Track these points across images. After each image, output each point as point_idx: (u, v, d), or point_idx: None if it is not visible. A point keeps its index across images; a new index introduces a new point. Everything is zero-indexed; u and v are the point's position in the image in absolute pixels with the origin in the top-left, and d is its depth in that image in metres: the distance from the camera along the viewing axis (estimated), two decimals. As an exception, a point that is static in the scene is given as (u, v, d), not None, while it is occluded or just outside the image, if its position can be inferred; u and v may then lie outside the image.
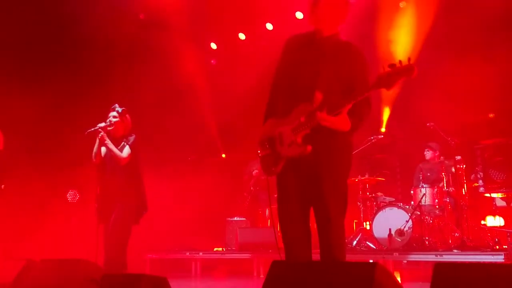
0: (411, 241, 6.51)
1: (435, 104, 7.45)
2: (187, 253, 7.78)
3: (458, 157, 6.96)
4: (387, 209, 6.90)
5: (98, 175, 5.05)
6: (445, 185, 6.97)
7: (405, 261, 6.92)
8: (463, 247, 6.22)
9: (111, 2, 7.19)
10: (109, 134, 4.97)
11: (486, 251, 5.81)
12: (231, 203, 9.06)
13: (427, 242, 6.52)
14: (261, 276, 6.79)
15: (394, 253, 6.24)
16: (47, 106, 7.21)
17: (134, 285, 2.77)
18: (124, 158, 4.89)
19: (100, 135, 4.87)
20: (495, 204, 6.85)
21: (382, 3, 7.80)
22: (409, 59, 2.61)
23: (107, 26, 7.03)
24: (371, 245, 7.05)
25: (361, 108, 2.92)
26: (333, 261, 2.87)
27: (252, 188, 8.62)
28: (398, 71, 2.62)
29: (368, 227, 7.28)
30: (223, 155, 10.24)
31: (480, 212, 7.14)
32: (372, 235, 6.91)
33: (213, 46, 9.51)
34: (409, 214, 6.58)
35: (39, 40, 7.38)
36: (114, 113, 5.04)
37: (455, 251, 6.04)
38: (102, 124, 4.93)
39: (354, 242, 7.21)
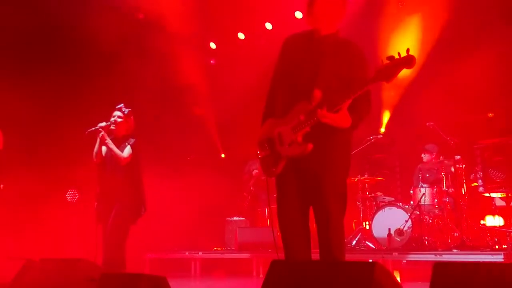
0: (410, 241, 6.51)
1: (435, 104, 7.46)
2: (187, 253, 7.78)
3: (458, 157, 6.96)
4: (387, 208, 6.91)
5: (98, 174, 5.05)
6: (444, 185, 6.97)
7: (405, 261, 6.91)
8: (463, 247, 6.22)
9: (111, 1, 7.19)
10: (111, 134, 4.97)
11: (486, 251, 5.82)
12: (230, 203, 9.06)
13: (426, 242, 6.52)
14: (260, 276, 6.79)
15: (394, 253, 6.24)
16: (46, 106, 7.21)
17: (134, 285, 2.77)
18: (125, 158, 4.89)
19: (100, 135, 4.87)
20: (495, 203, 6.85)
21: (382, 2, 7.81)
22: (407, 50, 2.60)
23: (106, 25, 7.02)
24: (370, 244, 7.05)
25: (361, 105, 2.92)
26: (332, 260, 2.86)
27: (252, 188, 8.62)
28: (397, 63, 2.62)
29: (367, 227, 7.28)
30: (223, 155, 10.24)
31: (480, 211, 7.13)
32: (372, 234, 6.92)
33: (213, 45, 9.51)
34: (409, 214, 6.59)
35: (39, 40, 7.38)
36: (119, 113, 5.04)
37: (455, 250, 6.04)
38: (103, 124, 4.93)
39: (354, 242, 7.21)
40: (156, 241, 7.98)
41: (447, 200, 6.92)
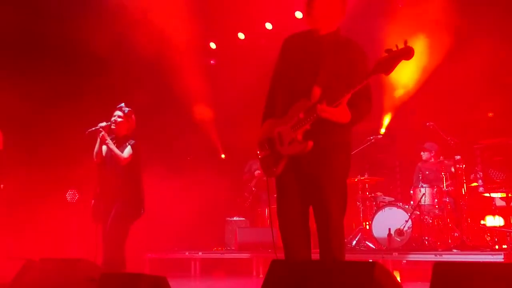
0: (410, 241, 6.51)
1: (435, 103, 7.46)
2: (187, 253, 7.78)
3: (458, 157, 6.96)
4: (387, 208, 6.91)
5: (99, 174, 5.05)
6: (444, 185, 6.97)
7: (405, 261, 6.91)
8: (463, 247, 6.22)
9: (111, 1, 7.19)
10: (111, 133, 4.97)
11: (486, 251, 5.82)
12: (230, 203, 9.06)
13: (426, 242, 6.52)
14: (260, 276, 6.79)
15: (394, 253, 6.24)
16: (46, 106, 7.21)
17: (134, 285, 2.77)
18: (125, 159, 4.89)
19: (101, 135, 4.87)
20: (495, 204, 6.85)
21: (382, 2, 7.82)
22: (405, 41, 2.61)
23: (106, 25, 7.02)
24: (370, 245, 7.05)
25: (362, 102, 2.92)
26: (333, 260, 2.86)
27: (254, 188, 8.62)
28: (395, 55, 2.62)
29: (367, 227, 7.28)
30: (223, 156, 10.23)
31: (480, 212, 7.13)
32: (372, 235, 6.92)
33: (213, 45, 9.51)
34: (409, 214, 6.58)
35: (38, 39, 7.38)
36: (120, 113, 5.03)
37: (455, 250, 6.04)
38: (103, 124, 4.93)
39: (354, 242, 7.21)
40: (156, 241, 7.99)
41: (447, 200, 6.91)
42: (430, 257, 5.96)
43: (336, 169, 2.97)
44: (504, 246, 6.08)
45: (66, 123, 7.13)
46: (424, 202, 6.85)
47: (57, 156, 7.18)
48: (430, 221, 6.77)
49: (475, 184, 6.87)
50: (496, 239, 6.43)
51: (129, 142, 4.97)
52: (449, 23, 7.28)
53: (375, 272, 2.10)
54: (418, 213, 6.73)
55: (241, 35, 9.16)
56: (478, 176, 6.69)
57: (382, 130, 8.69)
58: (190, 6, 7.63)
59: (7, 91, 6.55)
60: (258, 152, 3.19)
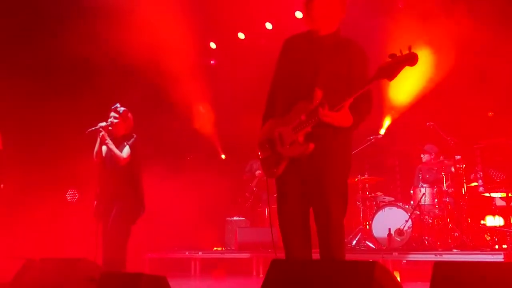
0: (410, 241, 6.51)
1: (435, 103, 7.45)
2: (187, 253, 7.78)
3: (458, 157, 6.96)
4: (387, 208, 6.91)
5: (98, 174, 5.05)
6: (444, 184, 6.97)
7: (405, 261, 6.91)
8: (463, 247, 6.22)
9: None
10: (110, 134, 4.97)
11: (486, 251, 5.82)
12: (230, 202, 9.06)
13: (426, 242, 6.52)
14: (260, 276, 6.79)
15: (394, 253, 6.24)
16: (46, 106, 7.20)
17: (134, 284, 2.77)
18: (124, 158, 4.89)
19: (100, 135, 4.87)
20: (495, 203, 6.85)
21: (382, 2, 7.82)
22: (409, 47, 2.59)
23: (106, 24, 7.02)
24: (370, 244, 7.05)
25: (362, 104, 2.91)
26: (333, 259, 2.86)
27: (255, 188, 8.62)
28: (399, 60, 2.61)
29: (367, 227, 7.28)
30: (223, 156, 10.22)
31: (480, 211, 7.13)
32: (372, 234, 6.92)
33: (213, 45, 9.51)
34: (409, 214, 6.58)
35: (38, 39, 7.38)
36: (115, 114, 5.04)
37: (455, 250, 6.04)
38: (103, 124, 4.93)
39: (354, 242, 7.21)
40: (156, 241, 7.99)
41: (447, 200, 6.91)
42: (430, 257, 5.96)
43: (337, 170, 2.97)
44: (504, 246, 6.08)
45: (66, 122, 7.13)
46: (424, 202, 6.85)
47: (57, 156, 7.18)
48: (430, 221, 6.77)
49: (475, 184, 6.87)
50: (496, 239, 6.43)
51: (127, 141, 4.97)
52: (448, 22, 7.28)
53: (376, 271, 2.10)
54: (418, 213, 6.73)
55: (241, 35, 9.16)
56: (478, 176, 6.68)
57: (382, 130, 8.68)
58: (190, 5, 7.63)
59: (7, 91, 6.55)
60: (259, 152, 3.18)
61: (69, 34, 7.23)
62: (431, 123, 7.05)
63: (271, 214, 3.20)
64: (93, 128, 4.89)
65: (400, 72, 2.64)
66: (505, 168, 6.45)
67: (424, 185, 7.01)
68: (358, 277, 2.13)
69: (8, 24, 6.80)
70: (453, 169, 7.08)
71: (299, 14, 8.19)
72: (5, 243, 6.15)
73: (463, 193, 6.85)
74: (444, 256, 5.82)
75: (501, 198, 6.73)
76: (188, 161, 9.52)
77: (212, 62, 10.03)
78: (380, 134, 7.92)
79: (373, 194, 7.65)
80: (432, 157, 7.54)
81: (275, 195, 3.19)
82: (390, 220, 6.66)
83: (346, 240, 6.65)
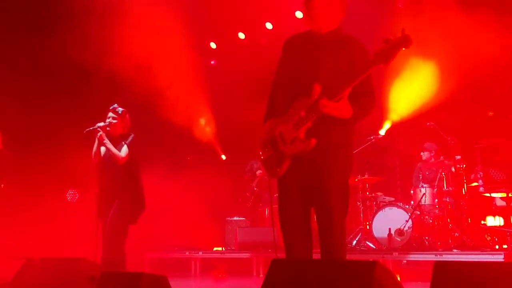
0: (410, 241, 6.51)
1: (435, 103, 7.44)
2: (187, 253, 7.78)
3: (458, 157, 6.96)
4: (387, 208, 6.90)
5: (97, 174, 5.05)
6: (445, 184, 6.96)
7: (405, 261, 6.91)
8: (463, 247, 6.21)
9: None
10: (108, 134, 4.97)
11: (486, 251, 5.82)
12: (230, 202, 9.06)
13: (427, 242, 6.52)
14: (260, 276, 6.79)
15: (394, 253, 6.24)
16: (46, 105, 7.21)
17: (134, 284, 2.77)
18: (122, 158, 4.89)
19: (98, 135, 4.87)
20: (495, 203, 6.85)
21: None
22: (403, 30, 2.60)
23: (107, 23, 7.03)
24: (370, 244, 7.05)
25: (364, 97, 2.91)
26: (333, 259, 2.86)
27: (255, 188, 8.62)
28: (393, 44, 2.62)
29: (368, 227, 7.28)
30: (223, 156, 10.21)
31: (480, 211, 7.13)
32: (372, 234, 6.91)
33: (213, 45, 9.50)
34: (409, 214, 6.58)
35: (38, 39, 7.38)
36: (113, 114, 5.03)
37: (455, 250, 6.03)
38: (101, 124, 4.93)
39: (354, 242, 7.21)
40: (156, 241, 7.98)
41: (448, 200, 6.91)
42: (431, 257, 5.96)
43: (338, 169, 2.97)
44: (505, 246, 6.08)
45: (66, 122, 7.13)
46: (425, 202, 6.85)
47: (57, 156, 7.18)
48: (430, 221, 6.77)
49: (475, 184, 6.87)
50: (496, 239, 6.43)
51: (125, 140, 4.97)
52: (449, 22, 7.27)
53: (376, 271, 2.10)
54: (419, 213, 6.73)
55: (241, 35, 9.15)
56: (479, 176, 6.68)
57: (382, 131, 8.68)
58: (190, 5, 7.63)
59: (7, 91, 6.55)
60: (261, 153, 3.17)
61: (68, 34, 7.24)
62: (432, 123, 7.04)
63: (272, 213, 3.19)
64: (91, 128, 4.89)
65: (396, 56, 2.63)
66: (505, 168, 6.45)
67: (424, 185, 7.00)
68: (358, 277, 2.13)
69: (7, 24, 6.80)
70: (453, 169, 7.08)
71: (299, 14, 8.19)
72: (5, 243, 6.15)
73: (464, 193, 6.85)
74: (444, 256, 5.81)
75: (501, 198, 6.73)
76: (189, 161, 9.51)
77: (212, 62, 10.03)
78: (380, 134, 7.91)
79: (373, 194, 7.65)
80: (432, 154, 7.54)
81: (276, 195, 3.19)
82: (390, 220, 6.66)
83: (346, 240, 6.65)
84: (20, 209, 6.77)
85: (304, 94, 2.93)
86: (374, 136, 7.56)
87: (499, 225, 6.67)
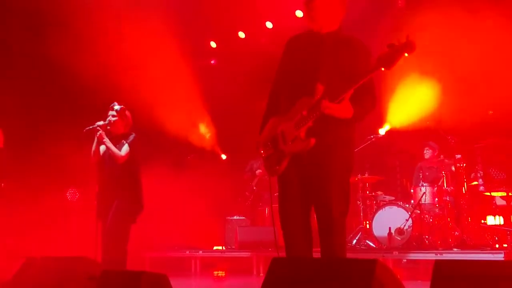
0: (411, 240, 6.51)
1: (435, 102, 7.44)
2: (187, 252, 7.78)
3: (458, 156, 6.96)
4: (387, 207, 6.91)
5: (97, 173, 5.05)
6: (445, 184, 6.97)
7: (405, 260, 6.92)
8: (463, 246, 6.22)
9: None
10: (109, 132, 4.97)
11: (486, 250, 5.82)
12: (230, 202, 9.06)
13: (427, 241, 6.52)
14: (260, 275, 6.79)
15: (394, 252, 6.24)
16: (46, 104, 7.21)
17: (135, 282, 2.76)
18: (122, 157, 4.88)
19: (98, 133, 4.87)
20: (495, 203, 6.85)
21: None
22: (407, 36, 2.60)
23: (107, 21, 7.02)
24: (370, 243, 7.05)
25: (365, 97, 2.91)
26: (333, 257, 2.86)
27: (255, 187, 8.63)
28: (397, 49, 2.61)
29: (368, 226, 7.28)
30: (223, 156, 10.21)
31: (480, 211, 7.13)
32: (372, 233, 6.92)
33: (213, 44, 9.50)
34: (409, 213, 6.58)
35: (38, 38, 7.38)
36: (113, 112, 5.03)
37: (455, 249, 6.04)
38: (101, 123, 4.92)
39: (354, 241, 7.21)
40: (156, 240, 7.98)
41: (448, 199, 6.91)
42: (431, 256, 5.96)
43: (339, 168, 2.96)
44: (505, 245, 6.08)
45: (66, 121, 7.12)
46: (425, 201, 6.85)
47: (58, 155, 7.18)
48: (431, 220, 6.77)
49: (475, 183, 6.88)
50: (496, 238, 6.43)
51: (127, 139, 4.96)
52: (449, 22, 7.27)
53: (377, 269, 2.10)
54: (419, 212, 6.73)
55: (241, 34, 9.15)
56: (479, 175, 6.69)
57: (382, 130, 8.68)
58: (190, 4, 7.63)
59: (7, 90, 6.55)
60: (262, 151, 3.18)
61: (70, 33, 7.24)
62: (432, 122, 7.04)
63: (273, 213, 3.19)
64: (91, 127, 4.89)
65: (398, 61, 2.63)
66: (505, 167, 6.46)
67: (424, 184, 7.00)
68: (359, 275, 2.13)
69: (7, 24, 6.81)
70: (453, 168, 7.08)
71: (299, 13, 8.19)
72: (6, 242, 6.15)
73: (464, 192, 6.85)
74: (444, 255, 5.82)
75: (501, 197, 6.74)
76: (189, 161, 9.51)
77: (212, 62, 10.03)
78: (380, 133, 7.91)
79: (373, 193, 7.65)
80: (435, 154, 7.54)
81: (276, 194, 3.19)
82: (390, 219, 6.66)
83: (346, 239, 6.65)
84: (20, 208, 6.77)
85: (306, 93, 2.93)
86: (375, 135, 7.56)
87: (499, 224, 6.67)
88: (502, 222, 6.68)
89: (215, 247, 8.36)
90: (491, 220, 6.89)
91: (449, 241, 6.52)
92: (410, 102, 7.72)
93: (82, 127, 4.95)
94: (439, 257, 5.79)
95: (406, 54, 2.60)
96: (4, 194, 6.14)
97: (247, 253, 7.23)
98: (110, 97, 5.64)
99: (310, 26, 3.11)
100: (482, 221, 7.08)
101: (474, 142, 6.81)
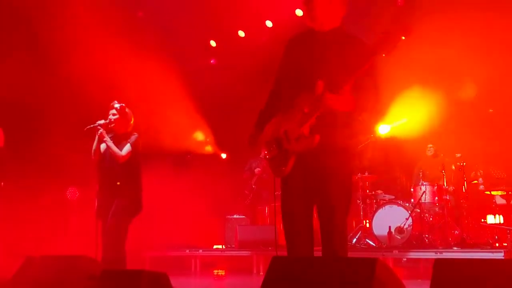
0: (410, 239, 6.51)
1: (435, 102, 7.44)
2: (187, 251, 7.79)
3: (458, 155, 6.96)
4: (387, 206, 6.91)
5: (98, 172, 5.05)
6: (445, 182, 6.96)
7: (405, 259, 6.92)
8: (463, 245, 6.22)
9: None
10: (111, 131, 4.96)
11: (486, 249, 5.82)
12: (230, 201, 9.06)
13: (427, 240, 6.52)
14: (260, 274, 6.79)
15: (394, 251, 6.24)
16: (46, 103, 7.20)
17: (135, 281, 2.77)
18: (123, 156, 4.88)
19: (99, 132, 4.86)
20: (495, 201, 6.85)
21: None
22: (402, 19, 2.60)
23: (108, 21, 7.02)
24: (370, 242, 7.05)
25: (368, 91, 2.87)
26: (334, 256, 2.86)
27: (254, 186, 8.63)
28: (393, 33, 2.60)
29: (368, 225, 7.28)
30: (223, 155, 10.21)
31: (480, 209, 7.13)
32: (372, 232, 6.91)
33: (213, 43, 9.50)
34: (409, 212, 6.58)
35: (38, 39, 7.38)
36: (113, 111, 5.03)
37: (455, 248, 6.04)
38: (102, 121, 4.92)
39: (354, 240, 7.21)
40: (156, 239, 7.98)
41: (448, 198, 6.91)
42: (430, 255, 5.97)
43: (341, 167, 2.95)
44: (505, 244, 6.08)
45: (67, 120, 7.13)
46: (425, 200, 6.85)
47: (57, 154, 7.18)
48: (431, 219, 6.77)
49: (475, 182, 6.87)
50: (496, 237, 6.43)
51: (130, 139, 4.96)
52: (448, 22, 7.27)
53: (377, 268, 2.10)
54: (419, 211, 6.73)
55: (241, 33, 9.15)
56: (479, 174, 6.69)
57: (382, 129, 8.68)
58: (190, 3, 7.63)
59: (7, 89, 6.54)
60: (266, 152, 3.15)
61: (70, 33, 7.24)
62: (432, 122, 7.04)
63: (275, 212, 3.19)
64: (92, 126, 4.88)
65: (397, 45, 2.61)
66: (505, 166, 6.45)
67: (424, 183, 7.00)
68: (359, 274, 2.13)
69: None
70: (453, 167, 7.08)
71: (299, 12, 8.17)
72: (5, 241, 6.15)
73: (464, 191, 6.85)
74: (444, 254, 5.82)
75: (501, 196, 6.74)
76: (188, 160, 9.52)
77: (212, 61, 10.02)
78: (380, 132, 7.91)
79: (373, 192, 7.65)
80: (437, 151, 7.54)
81: (277, 193, 3.18)
82: (390, 218, 6.66)
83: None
84: (20, 207, 6.77)
85: (306, 89, 2.92)
86: (374, 134, 7.56)
87: (499, 223, 6.68)
88: (502, 221, 6.69)
89: (215, 246, 8.37)
90: (491, 219, 6.90)
91: (449, 240, 6.52)
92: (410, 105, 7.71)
93: (82, 125, 4.94)
94: (439, 256, 5.79)
95: (403, 37, 2.58)
96: (4, 193, 6.13)
97: (247, 252, 7.24)
98: (110, 97, 5.64)
99: (311, 26, 3.10)
100: (482, 220, 7.08)
101: (474, 140, 6.81)
